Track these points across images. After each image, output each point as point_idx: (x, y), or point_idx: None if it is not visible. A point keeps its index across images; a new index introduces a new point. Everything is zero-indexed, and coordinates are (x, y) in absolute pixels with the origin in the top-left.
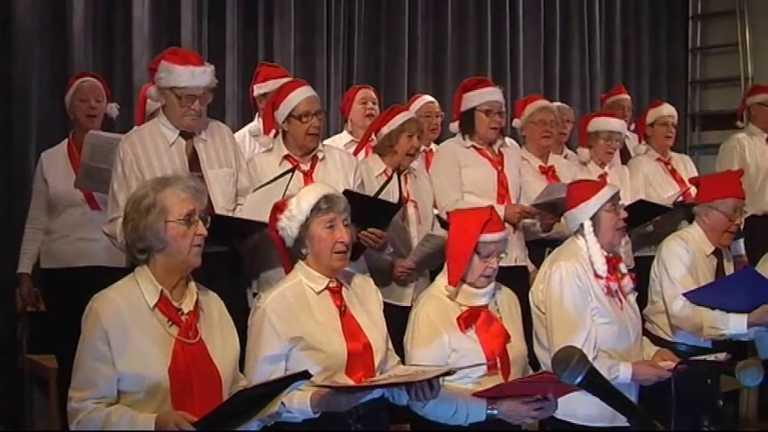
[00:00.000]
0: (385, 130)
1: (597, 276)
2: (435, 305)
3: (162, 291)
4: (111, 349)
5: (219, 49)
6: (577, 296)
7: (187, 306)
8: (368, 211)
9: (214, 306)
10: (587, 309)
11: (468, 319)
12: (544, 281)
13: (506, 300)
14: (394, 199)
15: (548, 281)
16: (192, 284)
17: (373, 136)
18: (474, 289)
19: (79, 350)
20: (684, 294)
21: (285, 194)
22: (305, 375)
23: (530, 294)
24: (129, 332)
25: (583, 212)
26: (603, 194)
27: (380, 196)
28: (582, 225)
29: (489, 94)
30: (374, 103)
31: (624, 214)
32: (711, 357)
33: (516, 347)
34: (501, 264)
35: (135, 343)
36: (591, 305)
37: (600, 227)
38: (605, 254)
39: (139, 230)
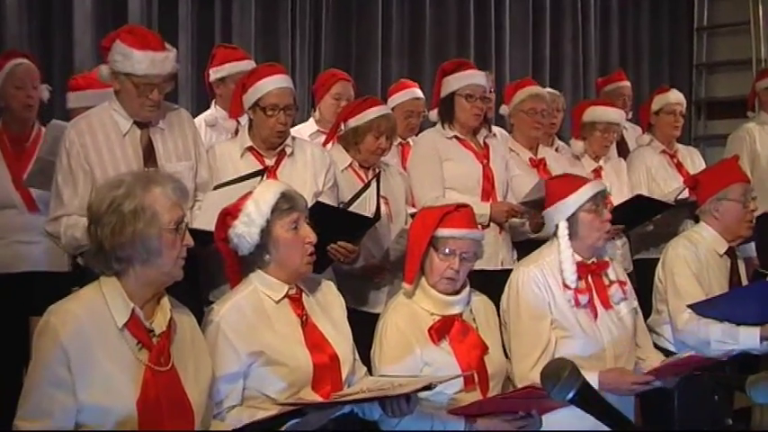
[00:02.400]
0: (352, 122)
1: (566, 286)
2: (404, 313)
3: (133, 309)
4: (71, 375)
5: (171, 29)
6: (533, 306)
7: (159, 326)
8: (340, 224)
9: (187, 325)
10: (546, 320)
11: (441, 329)
12: (507, 289)
13: (483, 307)
14: (371, 202)
15: (507, 289)
16: (165, 300)
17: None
18: (443, 296)
19: (32, 372)
20: (690, 306)
21: None
22: (299, 413)
23: (500, 303)
24: (93, 355)
25: (559, 212)
26: (583, 192)
27: (358, 201)
28: (557, 227)
29: (471, 77)
30: (348, 100)
31: (608, 216)
32: None
33: (495, 360)
34: (486, 267)
35: (100, 369)
36: (550, 316)
37: (578, 229)
38: (579, 259)
39: (124, 237)
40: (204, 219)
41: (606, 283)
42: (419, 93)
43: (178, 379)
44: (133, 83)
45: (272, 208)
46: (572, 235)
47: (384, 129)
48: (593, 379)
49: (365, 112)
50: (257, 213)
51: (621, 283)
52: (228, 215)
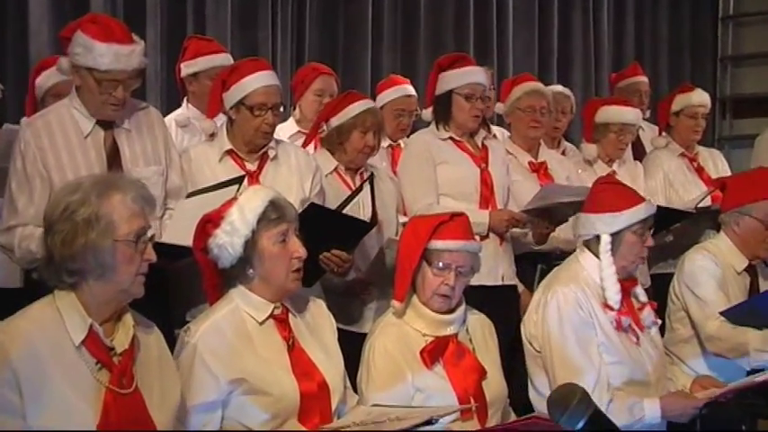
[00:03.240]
0: (335, 121)
1: (607, 307)
2: (394, 335)
3: (91, 325)
4: (22, 399)
5: (139, 18)
6: (579, 329)
7: (121, 344)
8: (333, 230)
9: (153, 343)
10: (594, 344)
11: (434, 351)
12: (538, 311)
13: (479, 327)
14: (364, 209)
15: (542, 311)
16: (128, 317)
17: (323, 126)
18: (436, 314)
19: None
20: (722, 313)
21: None
22: None
23: (521, 326)
24: (46, 377)
25: (606, 224)
26: (638, 212)
27: (348, 206)
28: (598, 238)
29: (470, 75)
30: (332, 97)
31: (651, 242)
32: None
33: (494, 385)
34: (485, 282)
35: (54, 392)
36: (597, 340)
37: (620, 248)
38: (618, 277)
39: (75, 248)
40: (175, 230)
41: (637, 304)
42: (411, 90)
43: (142, 402)
44: (95, 78)
45: (258, 217)
46: (611, 251)
47: (370, 124)
48: (654, 406)
49: (348, 108)
50: (242, 222)
51: (651, 305)
52: (209, 222)
